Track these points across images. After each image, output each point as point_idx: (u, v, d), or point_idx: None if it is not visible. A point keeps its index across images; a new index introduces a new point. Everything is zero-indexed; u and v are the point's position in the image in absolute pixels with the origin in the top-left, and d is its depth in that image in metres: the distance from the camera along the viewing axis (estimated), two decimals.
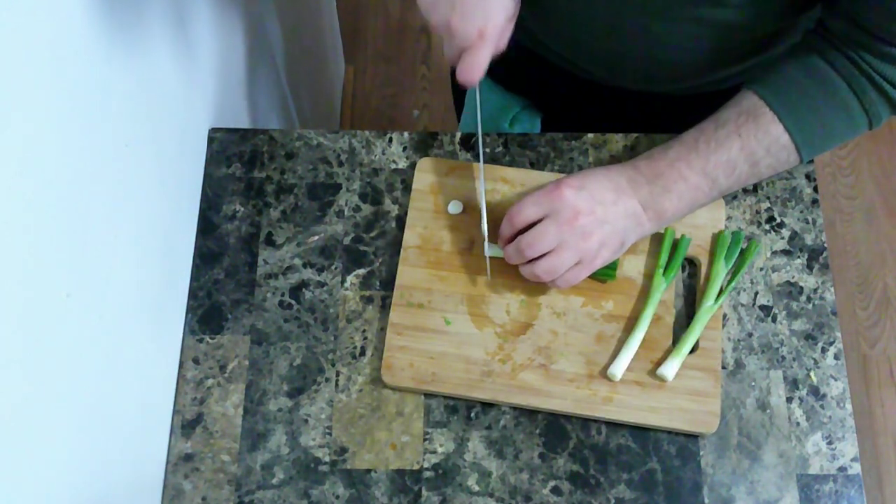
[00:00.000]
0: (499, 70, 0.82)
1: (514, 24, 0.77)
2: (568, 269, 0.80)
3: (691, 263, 0.88)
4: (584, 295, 0.85)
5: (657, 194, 0.80)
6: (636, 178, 0.81)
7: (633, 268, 0.86)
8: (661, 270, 0.85)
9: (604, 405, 0.81)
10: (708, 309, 0.83)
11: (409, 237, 0.88)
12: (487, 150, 0.94)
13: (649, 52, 0.88)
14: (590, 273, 0.81)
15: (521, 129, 1.09)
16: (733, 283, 0.86)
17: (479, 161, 0.86)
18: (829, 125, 0.79)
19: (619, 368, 0.81)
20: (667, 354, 0.82)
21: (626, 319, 0.84)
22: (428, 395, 0.83)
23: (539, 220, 0.79)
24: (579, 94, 1.01)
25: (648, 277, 0.86)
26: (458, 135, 0.95)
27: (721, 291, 0.85)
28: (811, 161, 0.93)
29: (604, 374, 0.82)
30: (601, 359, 0.83)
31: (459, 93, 1.20)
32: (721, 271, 0.85)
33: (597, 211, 0.79)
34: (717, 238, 0.87)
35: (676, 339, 0.83)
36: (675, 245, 0.86)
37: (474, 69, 0.75)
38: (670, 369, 0.80)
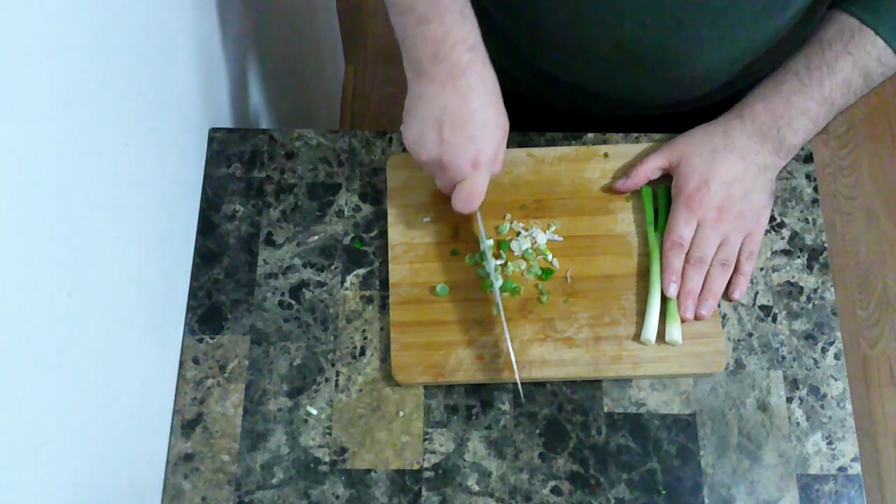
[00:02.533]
0: (519, 91, 0.82)
1: (504, 149, 0.77)
2: (740, 245, 0.84)
3: None
4: (577, 262, 0.86)
5: (784, 136, 0.82)
6: (758, 128, 0.82)
7: (621, 227, 0.88)
8: (652, 227, 0.86)
9: (614, 364, 0.82)
10: (654, 239, 0.86)
11: (394, 235, 0.88)
12: None
13: (665, 67, 0.87)
14: (762, 233, 0.85)
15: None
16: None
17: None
18: None
19: (650, 332, 0.82)
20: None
21: (624, 278, 0.85)
22: (428, 394, 0.83)
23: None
24: (590, 108, 1.01)
25: (641, 235, 0.87)
26: None
27: (657, 215, 0.87)
28: (811, 161, 0.93)
29: (609, 336, 0.83)
30: (606, 319, 0.84)
31: None
32: (647, 196, 0.88)
33: (734, 192, 0.82)
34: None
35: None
36: (656, 196, 0.88)
37: (472, 198, 0.75)
38: (676, 332, 0.82)
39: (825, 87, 0.79)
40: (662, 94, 0.93)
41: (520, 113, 0.91)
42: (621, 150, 0.91)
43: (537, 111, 1.03)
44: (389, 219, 0.88)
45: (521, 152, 0.91)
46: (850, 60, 0.78)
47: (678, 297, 0.83)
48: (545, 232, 0.87)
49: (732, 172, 0.82)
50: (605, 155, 0.90)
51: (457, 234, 0.88)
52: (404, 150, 0.94)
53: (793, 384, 0.84)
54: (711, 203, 0.82)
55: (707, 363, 0.82)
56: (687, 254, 0.84)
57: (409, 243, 0.87)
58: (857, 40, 0.78)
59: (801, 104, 0.80)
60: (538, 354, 0.82)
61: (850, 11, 0.79)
